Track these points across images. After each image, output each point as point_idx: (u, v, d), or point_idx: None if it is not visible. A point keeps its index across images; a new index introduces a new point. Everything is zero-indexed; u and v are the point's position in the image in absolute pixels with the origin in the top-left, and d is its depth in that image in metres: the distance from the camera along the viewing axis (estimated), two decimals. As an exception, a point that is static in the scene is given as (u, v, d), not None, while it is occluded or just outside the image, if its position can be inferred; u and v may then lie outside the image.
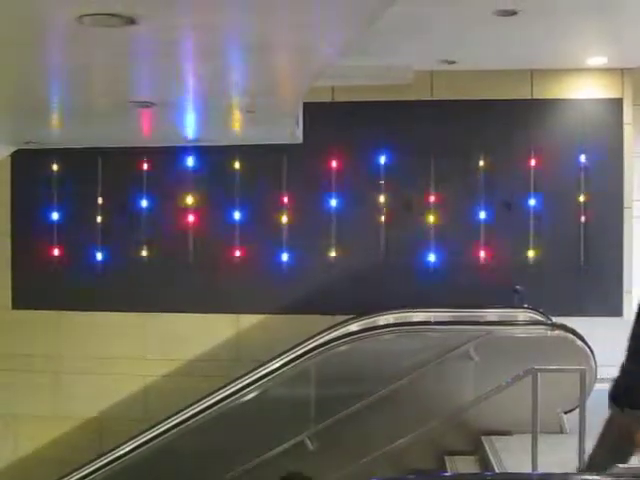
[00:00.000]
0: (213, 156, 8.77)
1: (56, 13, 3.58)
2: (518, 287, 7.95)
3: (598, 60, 8.08)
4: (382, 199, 8.61)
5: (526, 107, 8.49)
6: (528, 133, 8.50)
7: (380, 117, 8.55)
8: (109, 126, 7.59)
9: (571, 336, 6.70)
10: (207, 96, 6.22)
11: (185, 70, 5.25)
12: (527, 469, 5.44)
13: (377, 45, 6.89)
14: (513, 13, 6.28)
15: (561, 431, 6.58)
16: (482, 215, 8.49)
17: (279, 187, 8.71)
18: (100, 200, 8.95)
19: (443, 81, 8.45)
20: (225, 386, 7.25)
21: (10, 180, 9.12)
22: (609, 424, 4.18)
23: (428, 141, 8.50)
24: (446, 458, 6.77)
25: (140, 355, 8.92)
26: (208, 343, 8.85)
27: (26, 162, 9.03)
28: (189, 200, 8.85)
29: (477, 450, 6.69)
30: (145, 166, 8.90)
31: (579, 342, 6.69)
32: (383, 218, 8.61)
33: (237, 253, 8.78)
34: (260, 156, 8.66)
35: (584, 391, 5.54)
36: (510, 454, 6.13)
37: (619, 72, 8.41)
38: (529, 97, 8.50)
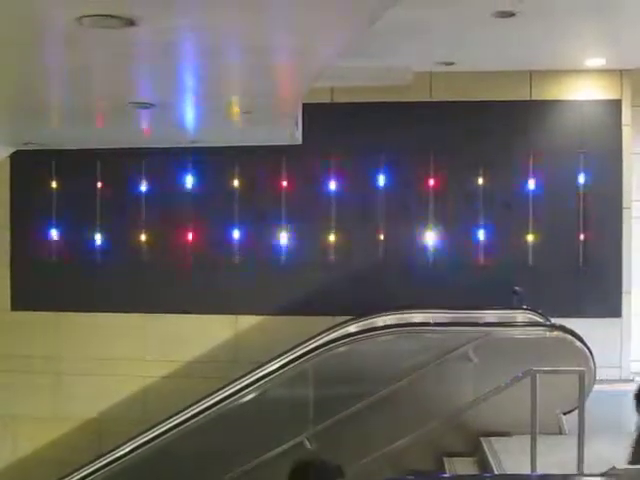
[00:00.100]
0: (213, 157, 8.77)
1: (56, 14, 3.59)
2: (517, 288, 7.96)
3: (597, 61, 8.09)
4: (381, 200, 8.61)
5: (525, 108, 8.50)
6: (527, 134, 8.50)
7: (379, 118, 8.55)
8: (108, 127, 7.59)
9: (570, 337, 6.71)
10: (206, 97, 6.22)
11: (184, 71, 5.25)
12: (526, 470, 5.44)
13: (376, 46, 6.89)
14: (512, 15, 6.29)
15: (560, 432, 6.58)
16: (481, 216, 8.49)
17: (278, 188, 8.71)
18: (99, 201, 8.95)
19: (442, 82, 8.46)
20: (224, 387, 7.25)
21: (9, 181, 9.13)
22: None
23: (427, 142, 8.51)
24: (445, 459, 6.77)
25: (139, 356, 8.92)
26: (207, 344, 8.85)
27: (25, 163, 9.03)
28: (188, 201, 8.84)
29: (476, 451, 6.69)
30: (144, 167, 8.91)
31: (578, 343, 6.69)
32: (383, 219, 8.61)
33: (236, 254, 8.78)
34: (259, 157, 8.66)
35: (583, 392, 5.54)
36: (509, 455, 6.13)
37: (618, 73, 8.42)
38: (528, 98, 8.50)
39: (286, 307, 8.65)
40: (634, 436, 4.39)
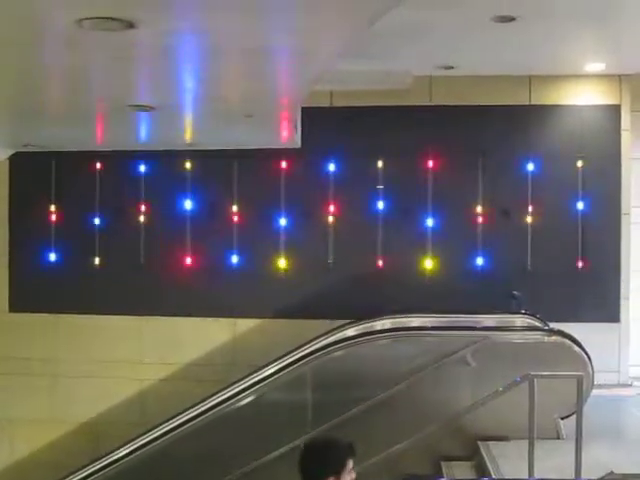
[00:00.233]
0: (211, 160, 8.76)
1: (56, 16, 3.59)
2: (515, 293, 7.96)
3: (596, 66, 8.10)
4: (380, 204, 8.61)
5: (524, 113, 8.51)
6: (526, 139, 8.51)
7: (378, 122, 8.56)
8: (107, 129, 7.59)
9: (568, 342, 6.70)
10: (205, 100, 6.22)
11: (184, 74, 5.25)
12: (524, 475, 5.43)
13: (376, 50, 6.90)
14: (511, 19, 6.30)
15: (558, 437, 6.56)
16: (480, 220, 8.49)
17: (277, 191, 8.71)
18: (98, 203, 8.95)
19: (442, 86, 8.46)
20: (222, 390, 7.24)
21: (8, 182, 9.12)
22: None
23: (427, 146, 8.51)
24: (442, 464, 6.75)
25: (138, 359, 8.91)
26: (205, 347, 8.84)
27: (24, 165, 9.02)
28: (187, 204, 8.85)
29: (474, 456, 6.67)
30: (143, 169, 8.91)
31: (576, 348, 6.68)
32: (381, 223, 8.61)
33: (235, 258, 8.78)
34: (258, 160, 8.66)
35: (581, 397, 5.54)
36: (507, 460, 6.12)
37: (617, 78, 8.43)
38: (527, 103, 8.51)
39: (284, 310, 8.65)
40: None
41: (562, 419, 6.59)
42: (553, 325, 7.31)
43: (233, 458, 7.09)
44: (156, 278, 8.85)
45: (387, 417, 6.81)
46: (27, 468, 8.89)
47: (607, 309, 8.33)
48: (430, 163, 8.53)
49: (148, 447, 7.11)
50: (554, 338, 6.78)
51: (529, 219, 8.45)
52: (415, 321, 7.83)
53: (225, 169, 8.75)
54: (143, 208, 8.90)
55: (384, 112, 8.54)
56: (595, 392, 6.69)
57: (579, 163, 8.45)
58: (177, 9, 3.58)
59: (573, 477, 5.17)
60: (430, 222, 8.54)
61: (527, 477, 5.34)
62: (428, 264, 8.54)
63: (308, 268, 8.67)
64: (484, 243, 8.50)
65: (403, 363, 6.87)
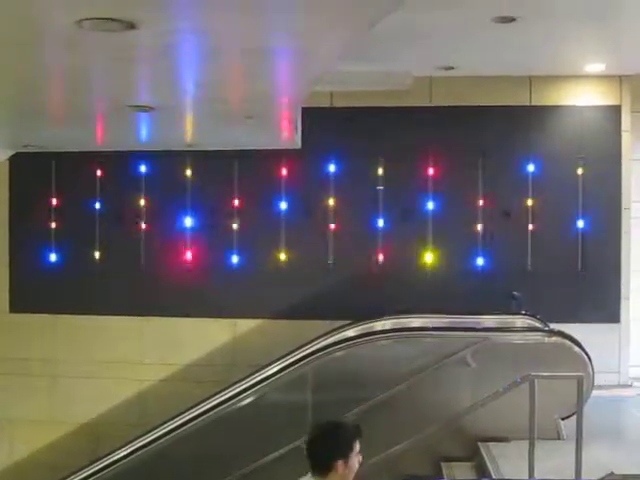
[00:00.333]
0: (212, 160, 8.77)
1: (56, 17, 3.59)
2: (515, 293, 7.96)
3: (596, 67, 8.10)
4: (380, 205, 8.61)
5: (525, 113, 8.51)
6: (526, 139, 8.51)
7: (379, 123, 8.56)
8: (107, 130, 7.59)
9: (568, 342, 6.70)
10: (206, 101, 6.22)
11: (184, 75, 5.25)
12: (524, 476, 5.42)
13: (376, 51, 6.89)
14: (512, 20, 6.30)
15: (558, 437, 6.56)
16: (480, 221, 8.49)
17: (277, 192, 8.71)
18: (98, 204, 8.95)
19: (442, 87, 8.46)
20: (222, 391, 7.24)
21: (8, 183, 9.12)
22: None
23: (427, 147, 8.51)
24: (443, 464, 6.74)
25: (137, 359, 8.91)
26: (205, 348, 8.84)
27: (24, 166, 9.02)
28: (187, 205, 8.84)
29: (474, 456, 6.67)
30: (144, 170, 8.91)
31: (576, 348, 6.68)
32: (381, 224, 8.61)
33: (235, 258, 8.78)
34: (258, 161, 8.66)
35: (581, 397, 5.53)
36: (507, 460, 6.11)
37: (617, 79, 8.43)
38: (528, 103, 8.51)
39: (285, 311, 8.65)
40: None
41: (562, 420, 6.58)
42: (553, 326, 7.31)
43: (233, 459, 7.09)
44: (156, 278, 8.85)
45: (387, 418, 6.81)
46: (26, 469, 8.89)
47: (607, 309, 8.33)
48: (430, 164, 8.53)
49: (148, 448, 7.11)
50: (554, 339, 6.78)
51: (529, 220, 8.45)
52: (415, 322, 7.83)
53: (225, 170, 8.75)
54: (143, 208, 8.90)
55: (384, 113, 8.54)
56: (595, 393, 6.69)
57: (579, 164, 8.44)
58: (177, 9, 3.58)
59: (573, 478, 5.17)
60: (430, 223, 8.53)
61: (527, 478, 5.34)
62: (429, 264, 8.54)
63: (308, 269, 8.67)
64: (484, 243, 8.50)
65: (403, 364, 6.86)
